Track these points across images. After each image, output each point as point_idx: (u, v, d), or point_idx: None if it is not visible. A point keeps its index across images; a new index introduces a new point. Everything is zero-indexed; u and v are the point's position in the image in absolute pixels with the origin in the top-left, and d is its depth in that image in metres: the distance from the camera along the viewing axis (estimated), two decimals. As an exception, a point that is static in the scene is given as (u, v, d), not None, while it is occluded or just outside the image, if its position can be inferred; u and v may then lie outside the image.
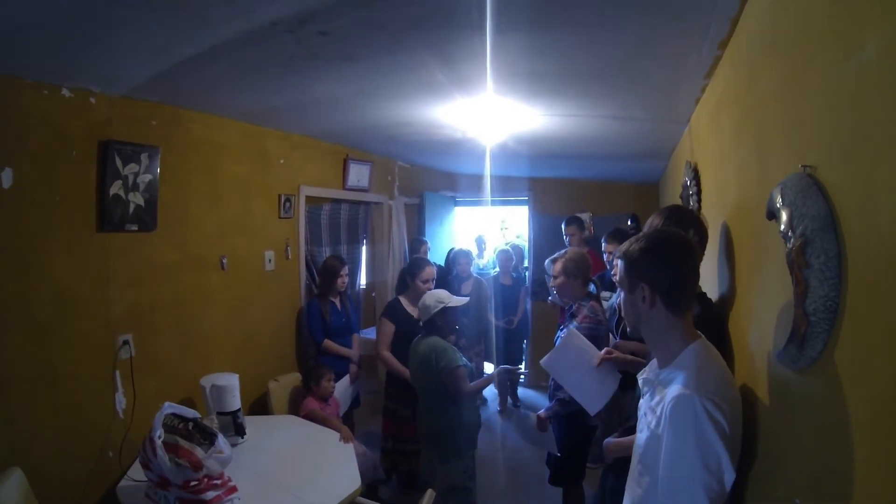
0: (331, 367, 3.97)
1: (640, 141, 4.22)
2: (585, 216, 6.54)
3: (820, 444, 1.12)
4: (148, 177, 3.04)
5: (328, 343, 4.22)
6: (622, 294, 1.63)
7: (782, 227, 1.16)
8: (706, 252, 2.16)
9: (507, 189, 7.28)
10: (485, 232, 7.57)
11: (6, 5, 1.77)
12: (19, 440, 2.48)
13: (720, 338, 1.96)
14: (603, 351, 2.67)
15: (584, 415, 2.99)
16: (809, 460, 1.18)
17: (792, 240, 1.13)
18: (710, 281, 2.38)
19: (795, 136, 1.27)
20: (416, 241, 6.03)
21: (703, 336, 1.56)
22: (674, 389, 1.42)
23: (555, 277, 3.24)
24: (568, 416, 3.11)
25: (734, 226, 2.02)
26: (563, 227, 5.65)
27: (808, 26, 1.18)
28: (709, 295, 2.21)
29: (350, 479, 2.75)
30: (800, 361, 1.15)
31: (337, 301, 4.36)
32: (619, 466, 1.99)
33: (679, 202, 3.49)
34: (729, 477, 1.35)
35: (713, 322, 2.01)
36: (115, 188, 2.87)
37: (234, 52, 2.29)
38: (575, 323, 3.06)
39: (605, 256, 4.11)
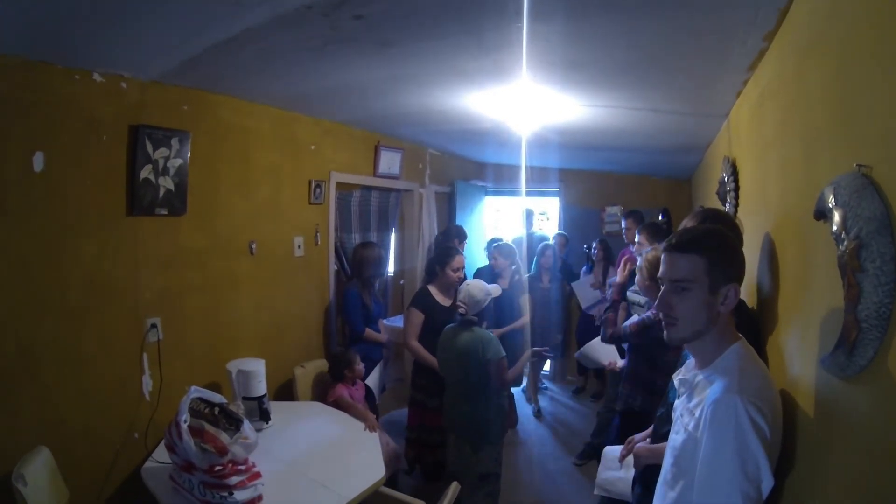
0: (364, 354, 3.93)
1: (675, 134, 4.13)
2: (616, 209, 6.45)
3: (866, 457, 1.07)
4: (178, 161, 3.05)
5: (369, 332, 4.19)
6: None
7: (834, 227, 1.11)
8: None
9: (537, 180, 7.20)
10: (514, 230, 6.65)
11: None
12: (47, 420, 2.52)
13: (756, 342, 1.90)
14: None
15: (648, 418, 2.87)
16: (853, 473, 1.13)
17: (845, 242, 1.07)
18: (747, 282, 2.30)
19: (847, 132, 1.21)
20: (462, 233, 5.56)
21: (743, 337, 1.51)
22: (715, 391, 1.37)
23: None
24: (630, 414, 2.96)
25: (775, 225, 1.95)
26: (622, 220, 5.45)
27: (865, 15, 1.12)
28: (745, 296, 2.14)
29: (374, 468, 2.74)
30: (847, 369, 1.10)
31: (373, 289, 4.37)
32: (649, 475, 1.92)
33: (714, 198, 3.42)
34: (767, 485, 1.30)
35: (750, 325, 1.95)
36: (146, 172, 2.88)
37: (267, 37, 2.27)
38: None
39: (631, 248, 3.93)
